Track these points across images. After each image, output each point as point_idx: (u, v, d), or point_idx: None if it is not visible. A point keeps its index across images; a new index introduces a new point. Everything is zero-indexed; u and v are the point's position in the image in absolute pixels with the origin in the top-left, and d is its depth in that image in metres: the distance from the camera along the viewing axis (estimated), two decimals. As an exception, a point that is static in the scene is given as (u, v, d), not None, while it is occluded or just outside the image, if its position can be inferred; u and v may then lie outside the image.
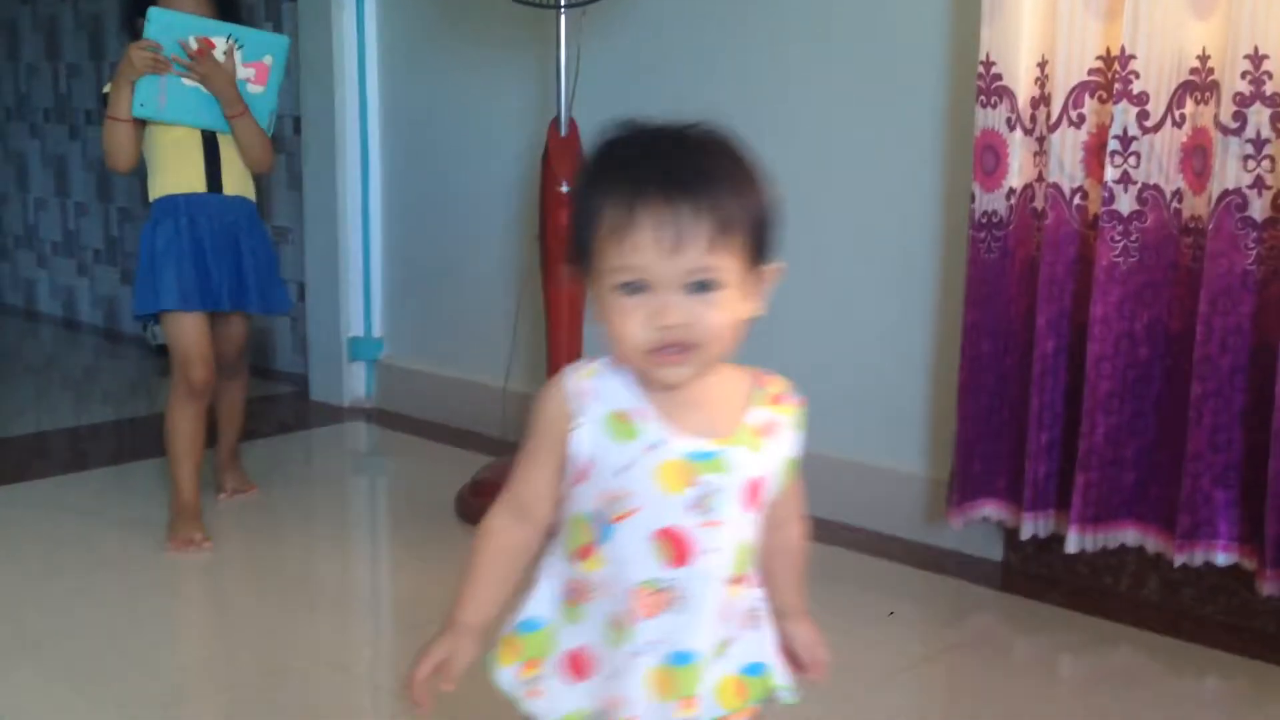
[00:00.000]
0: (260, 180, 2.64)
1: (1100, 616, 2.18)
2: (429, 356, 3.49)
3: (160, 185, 2.50)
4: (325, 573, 2.47)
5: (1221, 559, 2.04)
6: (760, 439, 1.13)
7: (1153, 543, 2.13)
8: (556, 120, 2.64)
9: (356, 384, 3.64)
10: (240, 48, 2.49)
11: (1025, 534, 2.22)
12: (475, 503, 2.60)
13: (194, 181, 2.49)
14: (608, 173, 1.08)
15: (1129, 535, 2.15)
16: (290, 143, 3.78)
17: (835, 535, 2.52)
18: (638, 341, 1.06)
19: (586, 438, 1.10)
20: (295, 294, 3.72)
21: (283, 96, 2.67)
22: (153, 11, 2.41)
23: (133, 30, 2.51)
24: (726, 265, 1.05)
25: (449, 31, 3.31)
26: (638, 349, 1.06)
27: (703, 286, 1.05)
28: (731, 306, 1.07)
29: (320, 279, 3.64)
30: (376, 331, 3.63)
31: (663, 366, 1.06)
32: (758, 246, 1.08)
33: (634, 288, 1.05)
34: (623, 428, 1.09)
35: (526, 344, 3.09)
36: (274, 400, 3.74)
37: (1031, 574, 2.33)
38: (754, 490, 1.13)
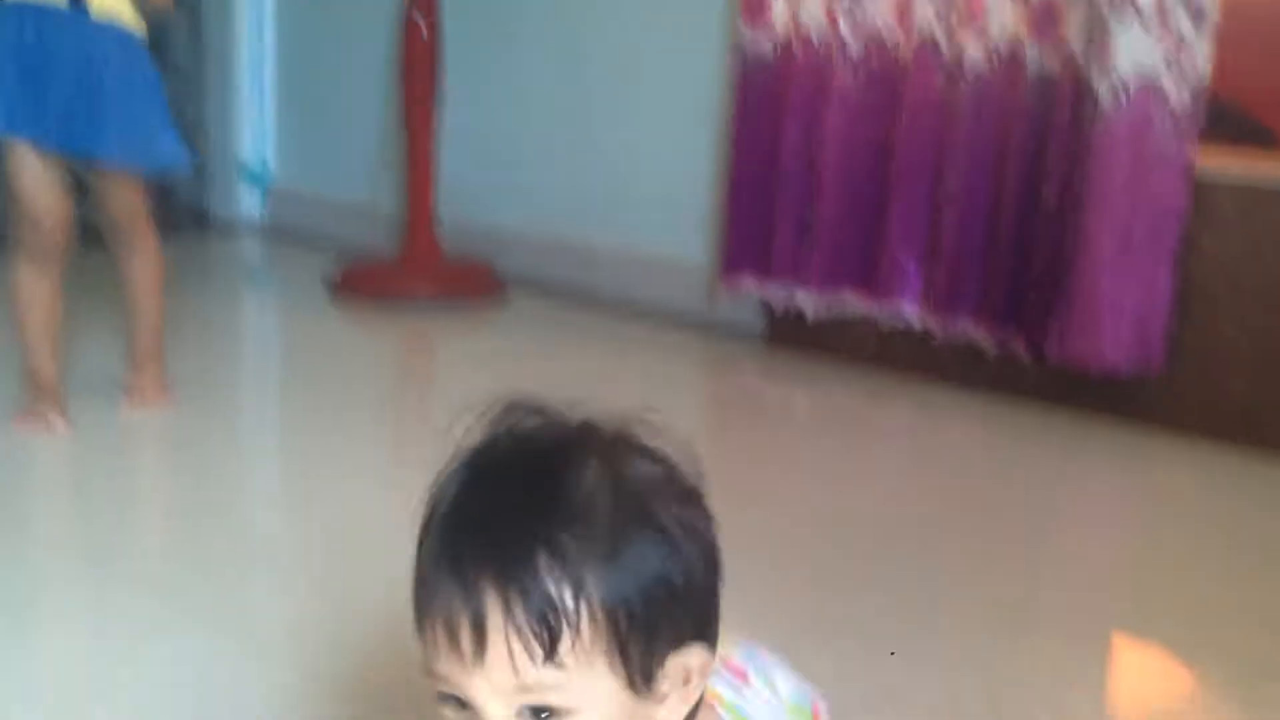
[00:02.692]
0: (159, 18, 2.33)
1: (833, 366, 2.80)
2: (315, 180, 4.00)
3: None
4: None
5: (909, 312, 2.66)
6: None
7: (866, 306, 2.74)
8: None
9: (251, 207, 4.15)
10: None
11: (774, 300, 2.83)
12: (343, 285, 3.26)
13: None
14: (433, 510, 0.78)
15: (850, 301, 2.76)
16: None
17: (629, 314, 3.12)
18: None
19: None
20: (194, 133, 4.16)
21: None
22: None
23: None
24: (564, 682, 0.72)
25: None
26: None
27: (540, 712, 0.73)
28: None
29: (218, 112, 4.12)
30: (270, 158, 4.12)
31: None
32: (638, 638, 0.74)
33: (453, 702, 0.75)
34: None
35: (398, 167, 3.60)
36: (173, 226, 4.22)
37: (783, 334, 2.93)
38: None
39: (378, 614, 1.45)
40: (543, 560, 0.71)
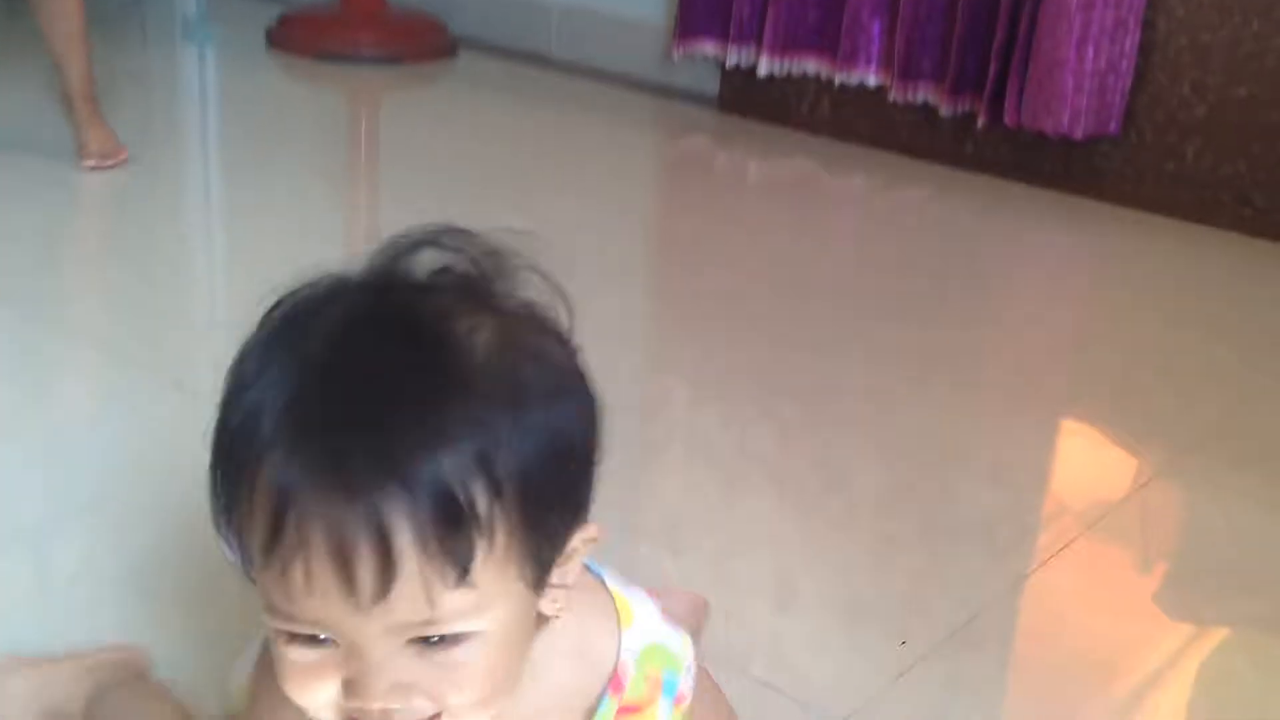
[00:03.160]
0: None
1: (787, 129, 2.75)
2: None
3: None
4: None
5: (870, 79, 2.59)
6: None
7: (825, 71, 2.67)
8: None
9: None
10: None
11: (730, 63, 2.75)
12: (281, 37, 3.15)
13: None
14: (260, 390, 0.58)
15: (809, 64, 2.68)
16: None
17: (583, 76, 3.02)
18: (328, 715, 0.61)
19: None
20: None
21: None
22: None
23: None
24: (479, 599, 0.58)
25: None
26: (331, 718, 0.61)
27: (441, 639, 0.59)
28: (499, 650, 0.61)
29: None
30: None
31: None
32: (544, 527, 0.61)
33: (305, 641, 0.59)
34: None
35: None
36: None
37: (739, 100, 2.85)
38: None
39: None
40: (448, 453, 0.55)
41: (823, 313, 1.90)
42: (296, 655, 0.58)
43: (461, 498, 0.55)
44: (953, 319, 1.92)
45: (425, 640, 0.57)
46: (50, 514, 1.20)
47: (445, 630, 0.57)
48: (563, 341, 0.64)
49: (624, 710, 0.70)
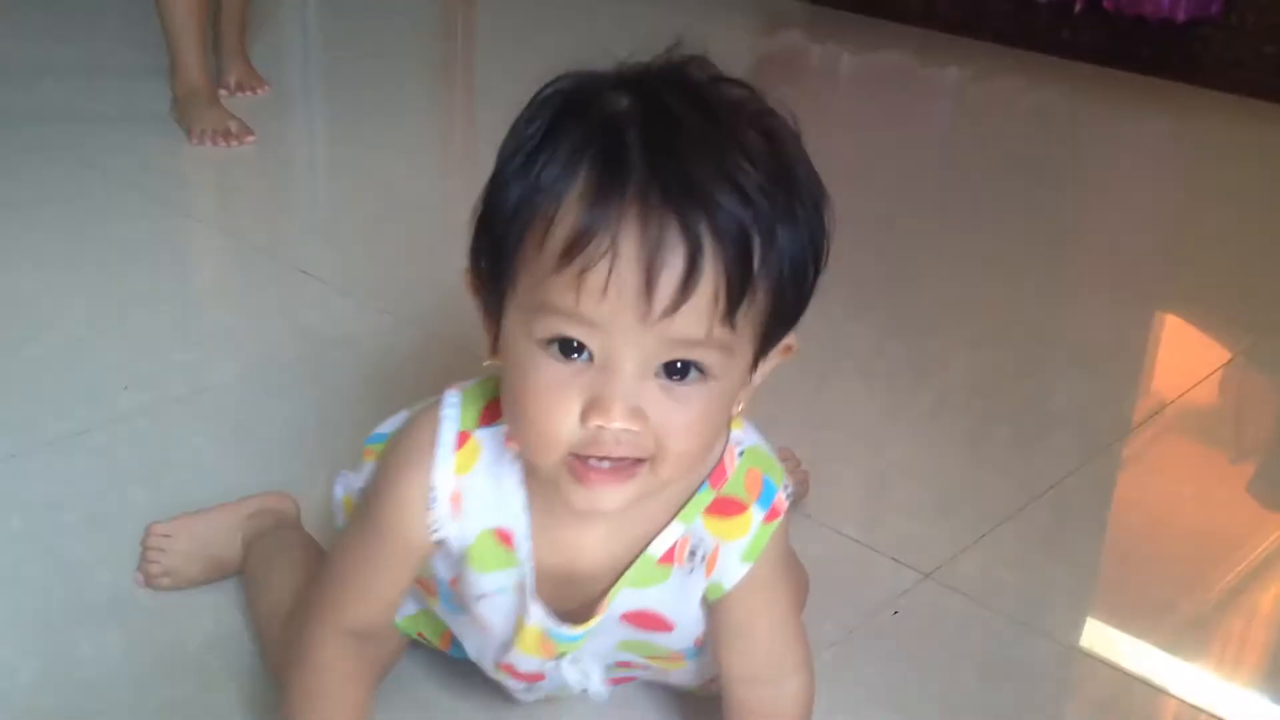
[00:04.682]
0: None
1: (878, 20, 2.74)
2: None
3: None
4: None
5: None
6: (665, 569, 0.74)
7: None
8: None
9: None
10: None
11: (822, -43, 2.73)
12: None
13: None
14: (568, 137, 0.62)
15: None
16: None
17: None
18: (558, 436, 0.64)
19: (449, 560, 0.75)
20: None
21: None
22: None
23: None
24: (731, 344, 0.63)
25: None
26: (555, 446, 0.64)
27: (682, 371, 0.63)
28: (718, 407, 0.66)
29: None
30: None
31: (583, 486, 0.65)
32: (782, 314, 0.66)
33: (572, 348, 0.63)
34: (494, 556, 0.73)
35: None
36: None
37: (832, -3, 2.86)
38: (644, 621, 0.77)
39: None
40: (750, 211, 0.61)
41: (915, 204, 1.92)
42: (552, 364, 0.62)
43: (754, 249, 0.61)
44: (1046, 207, 1.93)
45: (671, 374, 0.62)
46: (202, 385, 1.29)
47: (701, 358, 0.62)
48: (808, 161, 0.67)
49: (720, 506, 0.72)
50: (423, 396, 0.77)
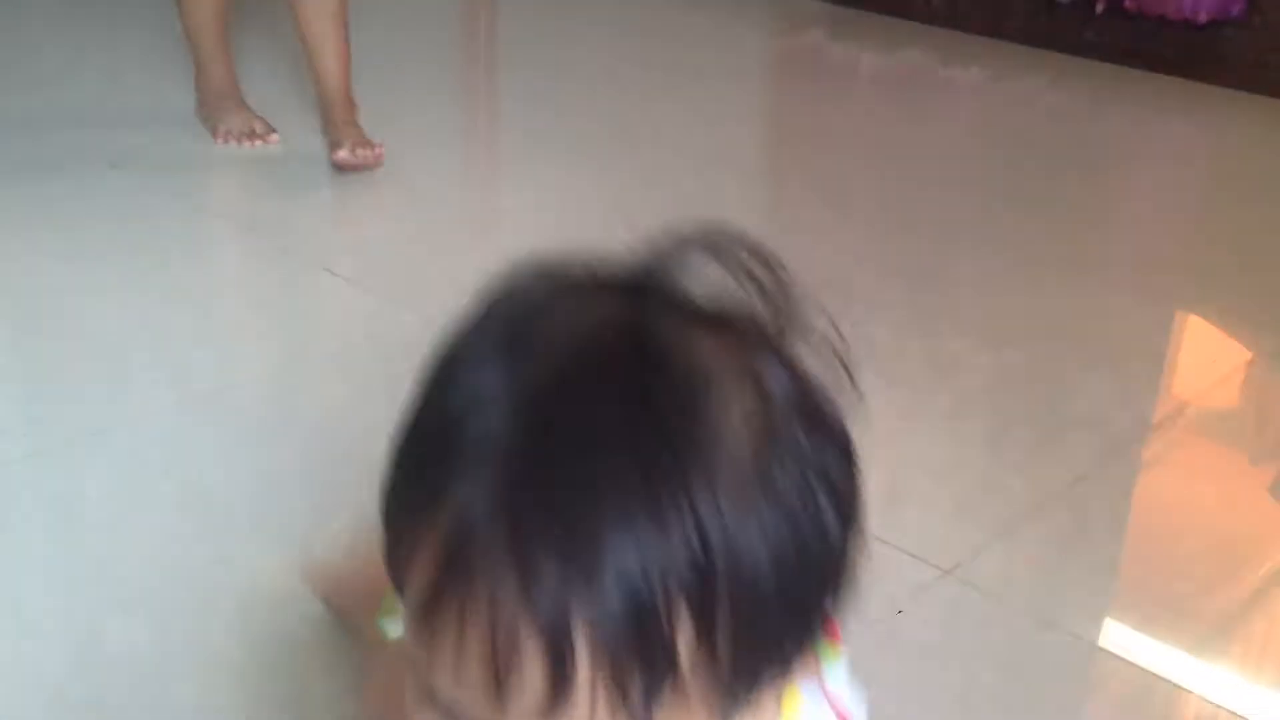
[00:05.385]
0: None
1: (900, 20, 2.74)
2: None
3: None
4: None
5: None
6: None
7: (940, -40, 2.66)
8: None
9: None
10: None
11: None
12: None
13: None
14: (430, 438, 0.47)
15: (923, -45, 2.67)
16: None
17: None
18: None
19: None
20: None
21: None
22: None
23: None
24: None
25: None
26: None
27: None
28: None
29: None
30: None
31: None
32: (773, 657, 0.47)
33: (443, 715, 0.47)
34: None
35: None
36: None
37: (853, -3, 2.86)
38: None
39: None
40: (656, 567, 0.42)
41: (935, 203, 1.92)
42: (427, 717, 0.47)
43: (666, 627, 0.42)
44: (1067, 207, 1.92)
45: None
46: (226, 382, 1.31)
47: None
48: (841, 445, 0.48)
49: None
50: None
